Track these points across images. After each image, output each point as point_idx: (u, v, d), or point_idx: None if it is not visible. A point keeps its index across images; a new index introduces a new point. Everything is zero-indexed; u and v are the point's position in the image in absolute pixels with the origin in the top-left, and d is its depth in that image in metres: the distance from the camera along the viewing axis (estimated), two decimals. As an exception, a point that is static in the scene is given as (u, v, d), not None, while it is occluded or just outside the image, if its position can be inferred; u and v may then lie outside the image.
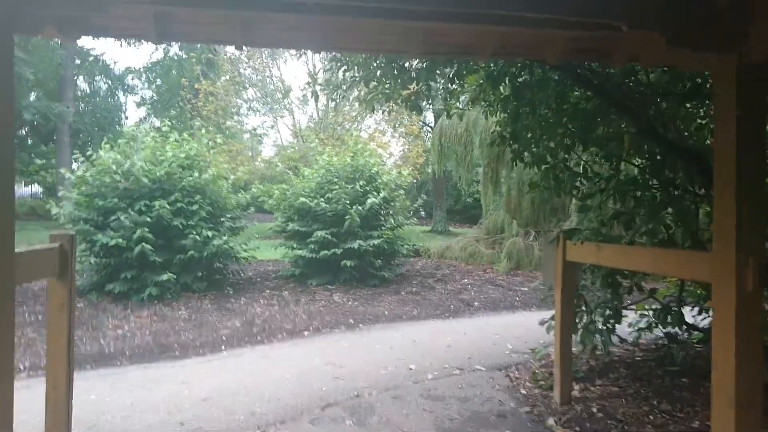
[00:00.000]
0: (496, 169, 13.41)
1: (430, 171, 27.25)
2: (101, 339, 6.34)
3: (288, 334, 6.95)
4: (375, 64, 5.05)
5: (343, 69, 5.34)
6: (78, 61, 25.63)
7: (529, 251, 12.68)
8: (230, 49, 24.23)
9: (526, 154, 5.60)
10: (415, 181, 20.48)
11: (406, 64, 4.98)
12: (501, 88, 5.31)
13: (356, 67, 5.27)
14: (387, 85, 5.21)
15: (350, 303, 8.75)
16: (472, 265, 13.15)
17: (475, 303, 9.32)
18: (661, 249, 4.16)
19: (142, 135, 9.26)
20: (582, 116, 4.89)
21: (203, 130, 9.63)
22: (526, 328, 7.33)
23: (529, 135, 5.27)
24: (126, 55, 62.51)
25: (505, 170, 13.64)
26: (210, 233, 8.30)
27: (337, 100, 21.01)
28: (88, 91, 27.99)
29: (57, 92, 23.20)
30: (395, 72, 5.10)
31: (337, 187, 9.59)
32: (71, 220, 8.19)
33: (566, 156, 5.11)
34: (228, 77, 22.12)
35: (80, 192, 8.25)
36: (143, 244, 7.69)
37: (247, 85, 23.29)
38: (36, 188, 29.74)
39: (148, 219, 7.88)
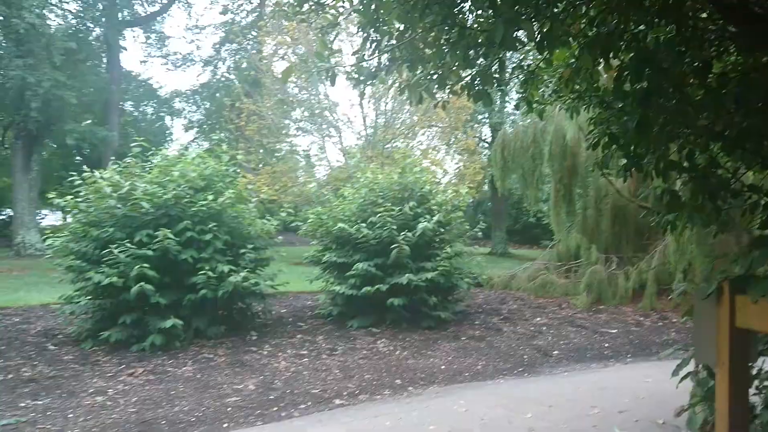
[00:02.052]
0: (569, 184, 11.49)
1: (486, 189, 25.46)
2: (69, 413, 4.87)
3: (314, 402, 5.31)
4: (422, 29, 3.43)
5: (373, 45, 3.70)
6: (123, 85, 25.26)
7: (612, 282, 10.64)
8: (277, 67, 23.35)
9: (647, 159, 3.85)
10: (472, 200, 18.70)
11: (470, 22, 3.32)
12: (609, 59, 3.58)
13: (394, 40, 3.65)
14: (445, 60, 3.57)
15: (398, 353, 7.04)
16: (543, 298, 11.20)
17: (555, 352, 7.44)
18: None
19: (161, 155, 7.91)
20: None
21: (238, 148, 8.17)
22: (631, 395, 5.45)
23: (660, 129, 3.50)
24: (173, 78, 63.48)
25: (579, 186, 11.71)
26: (226, 268, 6.80)
27: (375, 97, 19.50)
28: (135, 114, 27.66)
29: (101, 117, 22.74)
30: (454, 36, 3.45)
31: (382, 209, 7.95)
32: (65, 252, 6.90)
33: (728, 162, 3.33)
34: (273, 97, 21.07)
35: (76, 220, 6.96)
36: (143, 283, 6.25)
37: (294, 104, 22.22)
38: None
39: (150, 252, 6.46)
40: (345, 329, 8.05)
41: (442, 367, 6.55)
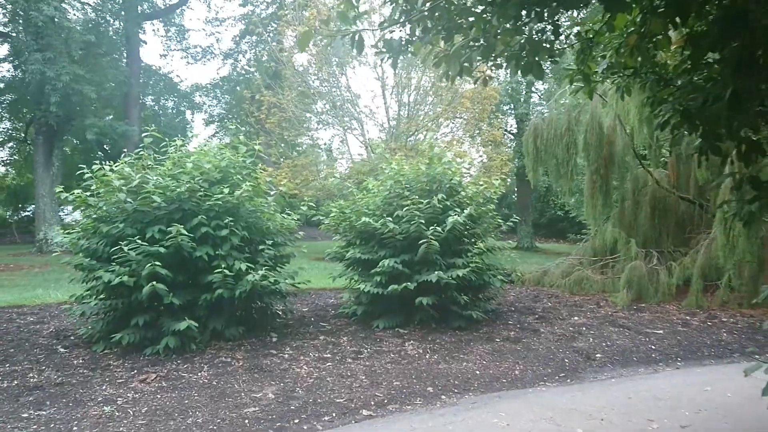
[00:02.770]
0: (605, 175, 10.84)
1: (509, 182, 24.71)
2: (74, 425, 4.46)
3: (339, 413, 4.84)
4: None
5: (402, 14, 3.17)
6: (143, 79, 25.07)
7: (653, 278, 10.00)
8: (298, 59, 22.94)
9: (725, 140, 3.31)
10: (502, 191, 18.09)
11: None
12: (684, 21, 3.01)
13: (427, 6, 3.12)
14: (490, 25, 3.05)
15: (428, 356, 6.54)
16: (579, 295, 10.59)
17: (597, 355, 6.87)
18: None
19: (178, 146, 7.47)
20: None
21: (257, 141, 7.67)
22: (691, 407, 4.91)
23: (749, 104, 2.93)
24: (193, 71, 63.19)
25: (616, 177, 11.06)
26: (243, 266, 6.36)
27: (399, 86, 18.94)
28: (155, 108, 27.49)
29: (121, 111, 22.56)
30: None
31: (409, 202, 7.44)
32: (76, 250, 6.53)
33: None
34: (294, 89, 20.64)
35: (85, 215, 6.58)
36: (155, 282, 5.83)
37: (315, 97, 21.79)
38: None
39: (162, 250, 6.03)
40: (370, 330, 7.57)
41: (477, 372, 6.04)
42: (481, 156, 19.64)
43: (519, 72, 3.33)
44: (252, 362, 6.10)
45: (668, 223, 11.24)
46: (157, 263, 5.88)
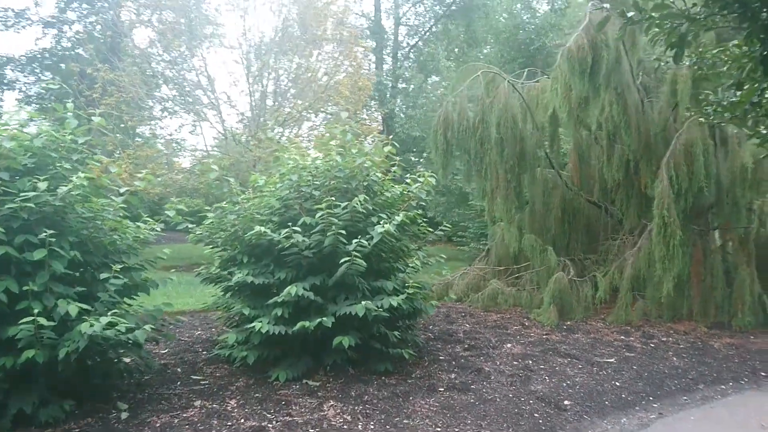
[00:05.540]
0: (518, 173, 9.62)
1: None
2: None
3: None
4: None
5: None
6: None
7: (575, 292, 8.93)
8: (139, 35, 19.55)
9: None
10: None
11: None
12: None
13: None
14: None
15: (360, 425, 4.58)
16: (493, 311, 9.24)
17: (565, 402, 5.39)
18: None
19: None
20: None
21: (99, 110, 4.98)
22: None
23: None
24: (3, 40, 52.15)
25: (527, 176, 9.90)
26: (74, 308, 3.89)
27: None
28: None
29: None
30: None
31: (323, 205, 5.37)
32: None
33: None
34: (139, 65, 17.30)
35: None
36: None
37: (159, 80, 18.57)
38: None
39: None
40: (267, 384, 5.40)
41: (436, 449, 4.22)
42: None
43: None
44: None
45: (578, 229, 10.34)
46: None
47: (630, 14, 3.41)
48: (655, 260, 7.87)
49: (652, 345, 7.48)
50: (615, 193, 10.13)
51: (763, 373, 6.56)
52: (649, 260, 8.23)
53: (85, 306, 3.99)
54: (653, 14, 3.46)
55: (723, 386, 6.12)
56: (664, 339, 7.76)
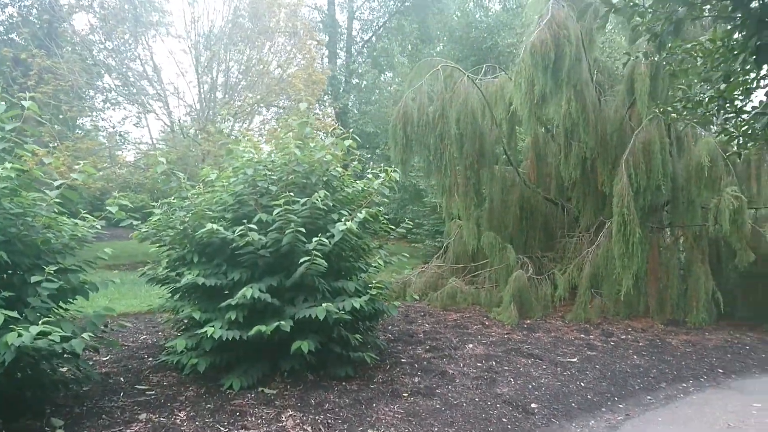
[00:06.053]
0: (477, 170, 9.49)
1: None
2: None
3: None
4: None
5: None
6: None
7: (535, 290, 8.87)
8: (79, 20, 18.58)
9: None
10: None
11: None
12: None
13: None
14: None
15: (322, 437, 4.28)
16: (452, 310, 9.08)
17: (533, 405, 5.24)
18: None
19: None
20: None
21: (33, 94, 4.41)
22: None
23: None
24: None
25: (486, 172, 9.78)
26: (-1, 316, 3.44)
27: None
28: None
29: None
30: None
31: (281, 201, 5.03)
32: None
33: None
34: (78, 53, 16.36)
35: None
36: None
37: (100, 69, 17.64)
38: None
39: None
40: (220, 393, 5.03)
41: (405, 461, 3.97)
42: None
43: None
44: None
45: (536, 226, 10.32)
46: None
47: (614, 0, 3.24)
48: (614, 258, 7.87)
49: (612, 343, 7.46)
50: (572, 191, 10.16)
51: (720, 370, 6.61)
52: (608, 258, 8.24)
53: (12, 313, 3.53)
54: (637, 1, 3.32)
55: (684, 384, 6.13)
56: (623, 337, 7.77)
